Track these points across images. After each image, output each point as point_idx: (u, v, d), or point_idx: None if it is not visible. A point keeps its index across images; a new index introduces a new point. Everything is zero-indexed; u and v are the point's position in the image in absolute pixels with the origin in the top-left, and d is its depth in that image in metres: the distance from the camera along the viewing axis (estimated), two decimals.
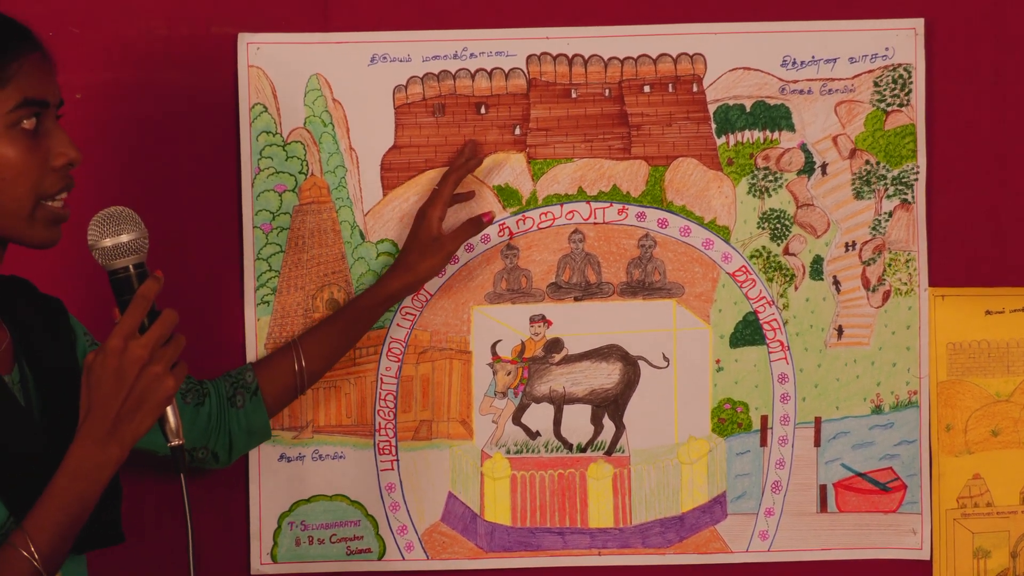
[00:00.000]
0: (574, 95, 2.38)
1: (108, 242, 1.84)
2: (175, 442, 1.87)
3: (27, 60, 1.85)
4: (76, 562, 1.94)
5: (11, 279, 2.00)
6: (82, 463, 1.81)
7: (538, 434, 2.41)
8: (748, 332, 2.41)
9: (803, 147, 2.39)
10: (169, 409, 1.86)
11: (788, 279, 2.40)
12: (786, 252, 2.40)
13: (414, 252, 2.31)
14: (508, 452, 2.41)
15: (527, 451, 2.42)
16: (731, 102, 2.39)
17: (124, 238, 1.85)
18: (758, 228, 2.39)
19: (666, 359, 2.41)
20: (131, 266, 1.85)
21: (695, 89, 2.38)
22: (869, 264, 2.40)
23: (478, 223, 2.31)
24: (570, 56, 2.37)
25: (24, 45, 1.86)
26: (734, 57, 2.37)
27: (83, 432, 1.82)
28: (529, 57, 2.36)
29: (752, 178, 2.39)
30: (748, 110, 2.39)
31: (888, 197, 2.40)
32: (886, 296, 2.40)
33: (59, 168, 1.86)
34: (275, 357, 2.33)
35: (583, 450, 2.42)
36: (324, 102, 2.35)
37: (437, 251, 2.30)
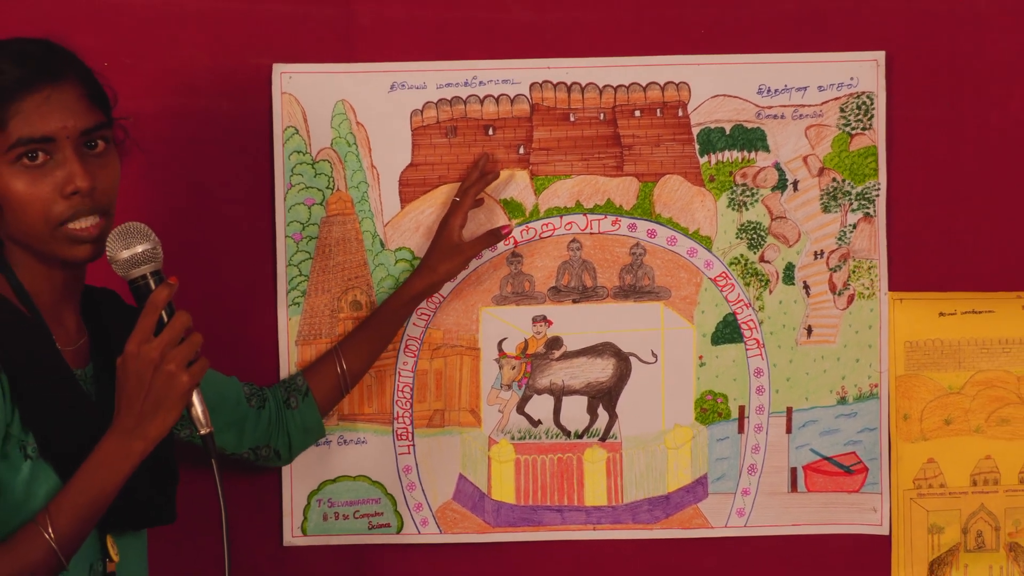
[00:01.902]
0: (572, 119, 2.44)
1: (124, 254, 1.89)
2: (204, 431, 1.91)
3: (29, 100, 1.89)
4: (137, 537, 2.03)
5: (100, 290, 2.08)
6: (107, 455, 1.87)
7: (540, 422, 2.49)
8: (728, 331, 2.48)
9: (777, 166, 2.46)
10: (196, 401, 1.90)
11: (763, 284, 2.47)
12: (761, 260, 2.47)
13: (435, 256, 2.36)
14: (513, 438, 2.48)
15: (530, 437, 2.49)
16: (712, 125, 2.45)
17: (139, 249, 1.89)
18: (736, 238, 2.46)
19: (654, 355, 2.48)
20: (148, 274, 1.90)
21: (680, 114, 2.44)
22: (835, 271, 2.47)
23: (496, 234, 2.37)
24: (569, 84, 2.44)
25: (25, 85, 1.90)
26: (715, 85, 2.44)
27: (112, 428, 1.88)
28: (532, 85, 2.43)
29: (731, 193, 2.46)
30: (728, 133, 2.45)
31: (852, 211, 2.46)
32: (850, 299, 2.47)
33: (68, 195, 1.89)
34: (321, 362, 2.38)
35: (580, 436, 2.49)
36: (349, 125, 2.42)
37: (456, 256, 2.35)
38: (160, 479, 1.98)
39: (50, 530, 1.83)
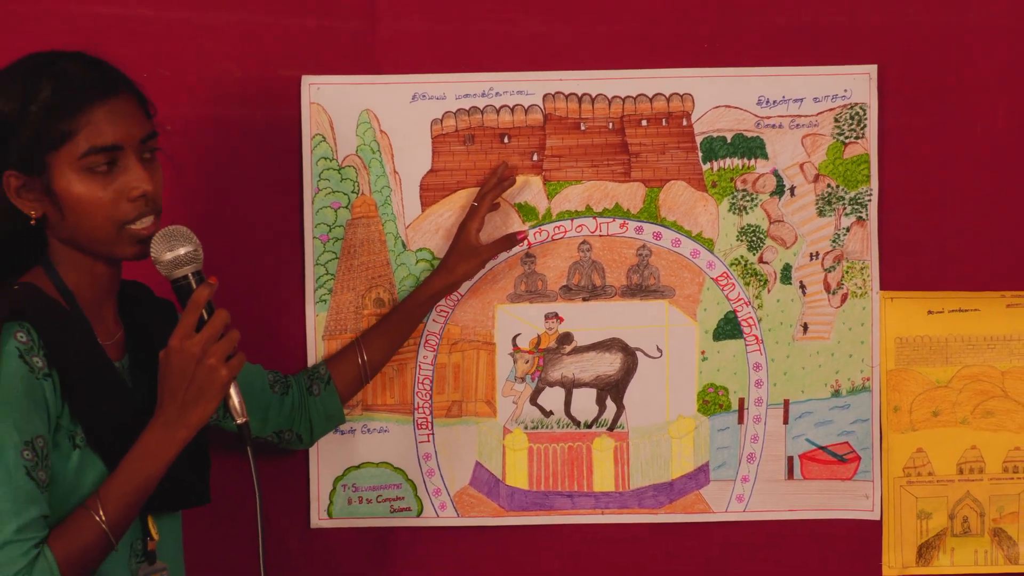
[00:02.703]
0: (583, 127, 2.46)
1: (167, 256, 1.93)
2: (239, 421, 1.95)
3: (98, 110, 1.92)
4: (173, 518, 2.06)
5: (132, 283, 2.10)
6: (152, 443, 1.90)
7: (551, 413, 2.50)
8: (728, 328, 2.49)
9: (775, 172, 2.47)
10: (233, 394, 1.93)
11: (762, 283, 2.49)
12: (760, 261, 2.48)
13: (454, 257, 2.38)
14: (526, 428, 2.50)
15: (542, 427, 2.51)
16: (715, 134, 2.46)
17: (181, 251, 1.93)
18: (737, 240, 2.48)
19: (659, 350, 2.49)
20: (190, 275, 1.93)
21: (684, 123, 2.46)
22: (830, 271, 2.48)
23: (512, 239, 2.40)
24: (580, 95, 2.45)
25: (93, 96, 1.92)
26: (717, 97, 2.45)
27: (155, 418, 1.91)
28: (545, 96, 2.45)
29: (732, 198, 2.47)
30: (729, 141, 2.46)
31: (846, 215, 2.48)
32: (844, 298, 2.49)
33: (134, 199, 1.93)
34: (343, 353, 2.40)
35: (589, 426, 2.50)
36: (373, 133, 2.44)
37: (473, 258, 2.37)
38: (196, 464, 2.02)
39: (101, 513, 1.87)
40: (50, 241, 1.95)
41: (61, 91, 1.90)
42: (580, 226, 2.47)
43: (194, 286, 1.92)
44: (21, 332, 1.86)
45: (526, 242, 2.46)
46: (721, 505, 2.50)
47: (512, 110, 2.45)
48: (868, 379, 2.49)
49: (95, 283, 1.98)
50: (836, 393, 2.49)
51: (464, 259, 2.38)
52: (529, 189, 2.46)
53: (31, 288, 1.92)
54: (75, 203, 1.90)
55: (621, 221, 2.47)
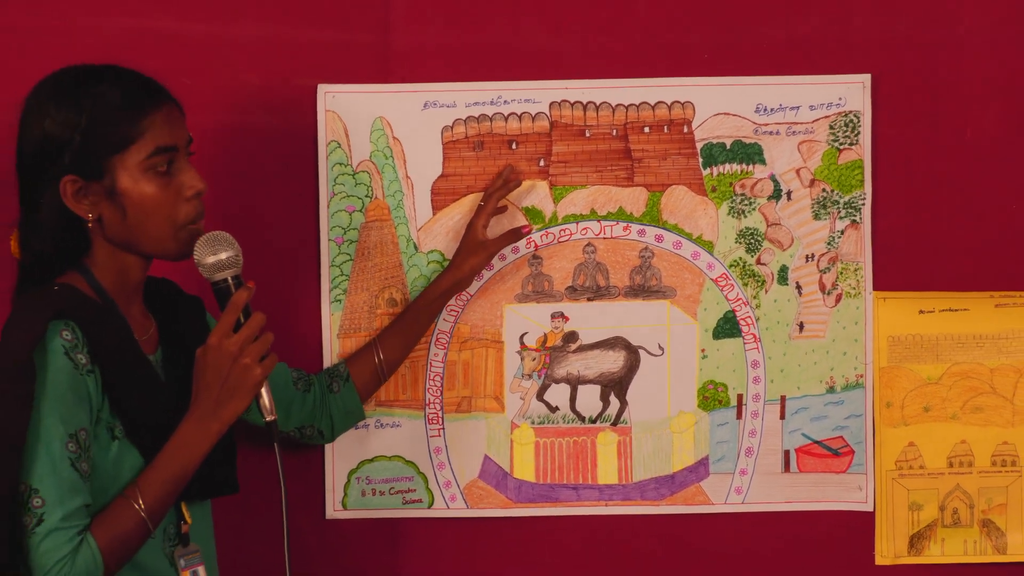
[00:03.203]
0: (588, 134, 2.47)
1: (210, 259, 1.97)
2: (269, 418, 1.99)
3: (158, 114, 1.97)
4: (204, 505, 2.09)
5: (161, 280, 2.14)
6: (188, 436, 1.94)
7: (557, 408, 2.51)
8: (727, 327, 2.50)
9: (772, 178, 2.48)
10: (264, 392, 1.97)
11: (760, 284, 2.49)
12: (758, 262, 2.49)
13: (462, 254, 2.40)
14: (533, 423, 2.50)
15: (548, 422, 2.51)
16: (714, 141, 2.47)
17: (222, 256, 1.97)
18: (736, 243, 2.49)
19: (661, 348, 2.50)
20: (229, 278, 1.97)
21: (685, 130, 2.46)
22: (825, 272, 2.49)
23: (517, 233, 2.41)
24: (584, 103, 2.46)
25: (154, 101, 1.97)
26: (717, 104, 2.46)
27: (191, 411, 1.95)
28: (551, 103, 2.46)
29: (731, 202, 2.48)
30: (728, 147, 2.47)
31: (840, 218, 2.48)
32: (839, 298, 2.49)
33: (190, 198, 1.99)
34: (361, 353, 2.41)
35: (593, 421, 2.51)
36: (386, 139, 2.45)
37: (480, 251, 2.39)
38: (226, 455, 2.06)
39: (140, 502, 1.91)
40: (94, 243, 1.98)
41: (125, 98, 1.94)
42: (585, 229, 2.49)
43: (232, 289, 1.96)
44: (66, 331, 1.89)
45: (533, 244, 2.47)
46: (720, 497, 2.51)
47: (520, 117, 2.47)
48: (862, 376, 2.50)
49: (129, 282, 2.01)
50: (831, 389, 2.50)
51: (472, 254, 2.40)
52: (536, 193, 2.48)
53: (71, 288, 1.95)
54: (140, 202, 1.94)
55: (624, 224, 2.49)
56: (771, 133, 2.48)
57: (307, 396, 2.34)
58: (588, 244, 2.50)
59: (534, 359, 2.51)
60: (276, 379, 2.27)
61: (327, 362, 2.45)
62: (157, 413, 1.98)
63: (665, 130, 2.48)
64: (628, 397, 2.51)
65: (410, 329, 2.42)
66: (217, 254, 1.97)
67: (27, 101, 1.98)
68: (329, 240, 2.45)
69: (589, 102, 2.47)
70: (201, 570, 2.04)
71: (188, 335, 2.08)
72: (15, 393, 1.86)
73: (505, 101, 2.46)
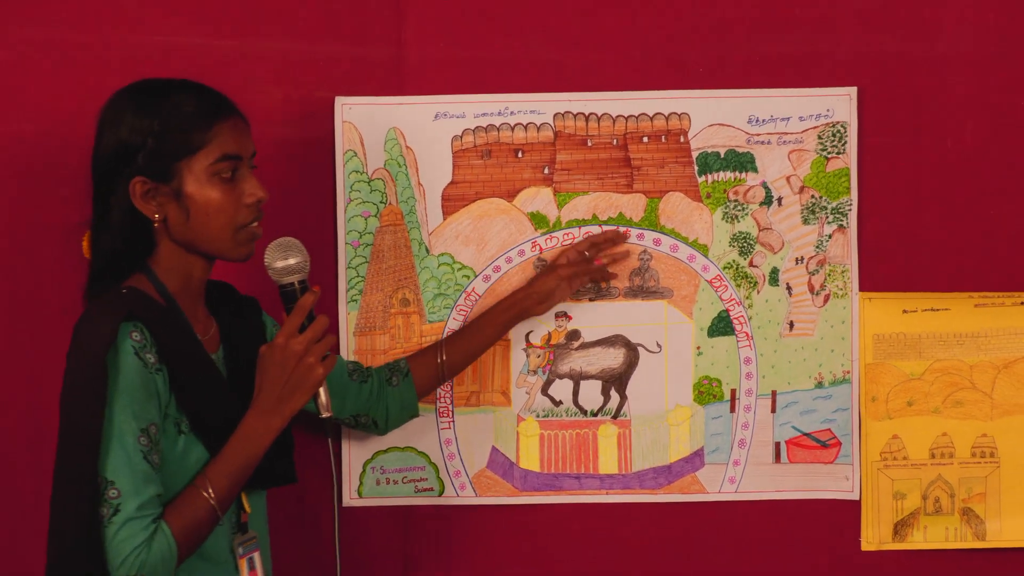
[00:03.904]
0: (590, 144, 2.49)
1: (279, 264, 2.00)
2: (325, 414, 2.02)
3: (225, 124, 2.01)
4: (259, 496, 2.14)
5: (218, 283, 2.17)
6: (252, 429, 1.98)
7: (561, 402, 2.52)
8: (721, 325, 2.51)
9: (764, 185, 2.49)
10: (322, 390, 2.00)
11: (752, 285, 2.51)
12: (751, 264, 2.51)
13: (538, 276, 2.42)
14: (538, 416, 2.52)
15: (552, 415, 2.53)
16: (709, 150, 2.48)
17: (291, 261, 2.00)
18: (729, 246, 2.50)
19: (659, 346, 2.52)
20: (296, 282, 2.00)
21: (682, 140, 2.48)
22: (814, 274, 2.51)
23: (602, 273, 2.42)
24: (587, 114, 2.48)
25: (223, 113, 2.02)
26: (712, 116, 2.47)
27: (254, 406, 1.98)
28: (555, 115, 2.48)
29: (725, 208, 2.49)
30: (722, 156, 2.48)
31: (828, 223, 2.50)
32: (827, 298, 2.51)
33: (250, 205, 2.02)
34: (425, 351, 2.42)
35: (595, 415, 2.52)
36: (399, 148, 2.47)
37: (550, 272, 2.42)
38: (285, 447, 2.11)
39: (210, 491, 1.95)
40: (159, 245, 2.02)
41: (196, 107, 1.98)
42: (587, 233, 2.50)
43: (299, 293, 2.00)
44: (136, 332, 1.93)
45: (538, 248, 2.48)
46: (715, 486, 2.52)
47: (525, 128, 2.48)
48: (848, 372, 2.51)
49: (191, 284, 2.05)
50: (819, 385, 2.51)
51: (543, 275, 2.42)
52: (541, 199, 2.49)
53: (138, 291, 1.99)
54: (204, 205, 1.98)
55: (624, 228, 2.50)
56: (763, 143, 2.49)
57: (363, 387, 2.36)
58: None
59: (539, 356, 2.52)
60: (332, 370, 2.16)
61: (344, 359, 2.44)
62: (219, 408, 2.01)
63: (663, 140, 2.49)
64: (628, 392, 2.52)
65: (475, 338, 2.43)
66: (287, 259, 2.00)
67: (104, 110, 2.02)
68: (346, 243, 2.47)
69: (591, 113, 2.49)
70: (257, 556, 2.08)
71: (247, 334, 2.12)
72: (90, 392, 1.90)
73: (512, 112, 2.48)
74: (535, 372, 2.53)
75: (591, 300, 2.53)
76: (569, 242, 2.51)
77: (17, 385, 2.49)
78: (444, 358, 2.40)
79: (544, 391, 2.54)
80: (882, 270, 2.53)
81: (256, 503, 2.12)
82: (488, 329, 2.43)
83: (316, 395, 2.00)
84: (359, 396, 2.36)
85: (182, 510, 1.95)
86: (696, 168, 2.50)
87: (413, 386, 2.40)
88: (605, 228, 2.45)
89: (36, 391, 2.46)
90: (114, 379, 1.91)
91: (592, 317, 2.53)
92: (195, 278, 2.06)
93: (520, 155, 2.49)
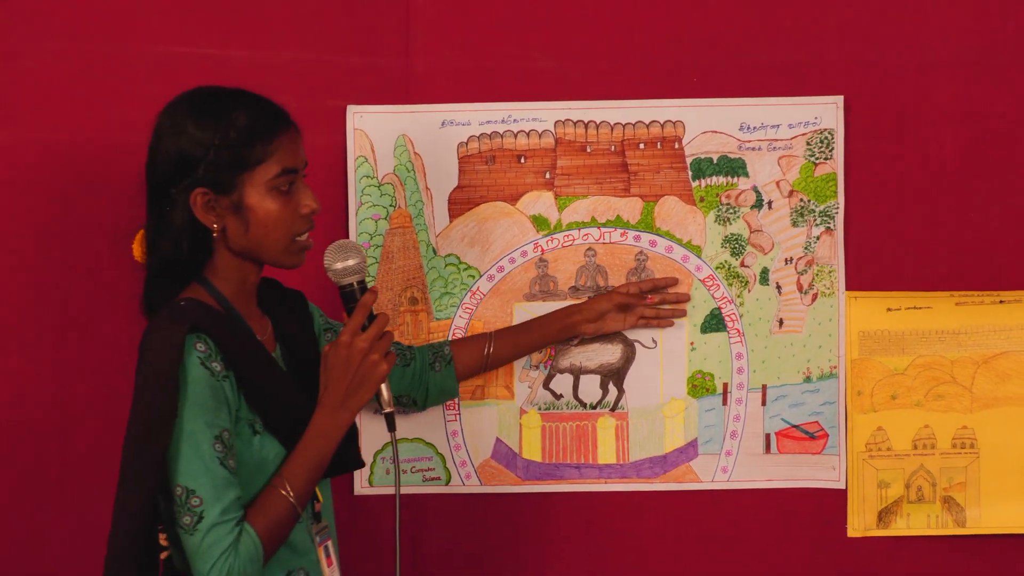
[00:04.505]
0: (589, 150, 2.51)
1: (339, 265, 2.03)
2: (387, 410, 2.05)
3: (285, 138, 2.00)
4: (325, 484, 2.16)
5: (265, 279, 2.15)
6: (322, 426, 2.00)
7: (561, 396, 2.54)
8: (714, 322, 2.53)
9: (755, 189, 2.51)
10: (383, 386, 2.03)
11: (743, 284, 2.53)
12: (742, 265, 2.53)
13: (581, 316, 2.42)
14: (540, 409, 2.54)
15: (553, 408, 2.54)
16: (703, 156, 2.50)
17: (350, 262, 2.02)
18: (721, 247, 2.53)
19: (654, 342, 2.54)
20: (355, 282, 2.03)
21: (676, 146, 2.50)
22: (802, 274, 2.53)
23: (652, 318, 2.44)
24: (586, 122, 2.50)
25: (282, 126, 2.00)
26: (705, 123, 2.49)
27: (322, 404, 2.00)
28: (556, 122, 2.50)
29: (717, 211, 2.51)
30: (715, 162, 2.50)
31: (816, 225, 2.52)
32: (815, 297, 2.53)
33: (305, 215, 2.02)
34: (472, 340, 2.43)
35: (594, 407, 2.54)
36: (408, 155, 2.50)
37: (606, 298, 2.44)
38: (350, 435, 2.10)
39: (288, 489, 1.97)
40: (216, 253, 2.01)
41: (258, 120, 1.98)
42: (586, 235, 2.52)
43: (357, 293, 2.02)
44: (200, 343, 1.94)
45: (540, 249, 2.50)
46: (708, 476, 2.55)
47: (528, 135, 2.51)
48: (835, 367, 2.53)
49: (246, 288, 2.05)
50: (807, 379, 2.53)
51: (599, 298, 2.44)
52: (542, 203, 2.52)
53: (197, 302, 1.99)
54: (264, 217, 1.98)
55: (621, 231, 2.53)
56: (753, 149, 2.51)
57: (406, 370, 2.37)
58: (589, 248, 2.53)
59: (541, 352, 2.55)
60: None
61: None
62: (287, 403, 2.03)
63: (658, 146, 2.51)
64: (625, 386, 2.54)
65: (523, 338, 2.45)
66: (345, 261, 2.03)
67: (161, 117, 2.01)
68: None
69: (590, 121, 2.51)
70: (330, 544, 2.11)
71: (299, 329, 2.14)
72: (161, 405, 1.91)
73: (515, 120, 2.50)
74: (537, 367, 2.55)
75: (590, 299, 2.55)
76: (569, 244, 2.53)
77: (73, 384, 2.54)
78: (491, 350, 2.41)
79: (546, 385, 2.56)
80: (867, 270, 2.54)
81: (325, 493, 2.14)
82: (535, 334, 2.45)
83: (378, 391, 2.04)
84: (402, 379, 2.37)
85: (264, 510, 1.96)
86: (690, 173, 2.53)
87: (454, 373, 2.41)
88: (667, 277, 2.50)
89: (89, 391, 2.53)
90: (184, 391, 1.92)
91: None
92: (249, 282, 2.06)
93: (522, 161, 2.52)
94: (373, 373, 2.00)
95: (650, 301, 2.43)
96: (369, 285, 2.03)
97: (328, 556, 2.08)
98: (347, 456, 2.10)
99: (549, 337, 2.45)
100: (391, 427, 2.05)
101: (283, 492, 1.98)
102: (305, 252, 2.05)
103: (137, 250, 2.04)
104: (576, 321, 2.43)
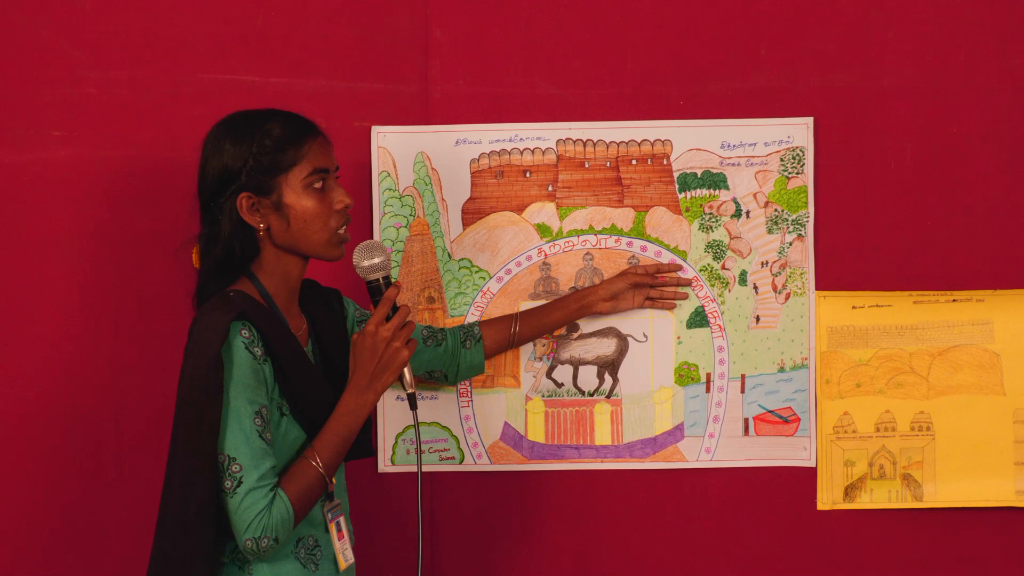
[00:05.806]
0: (587, 165, 2.64)
1: (366, 263, 2.13)
2: (409, 391, 2.15)
3: (314, 143, 2.12)
4: (339, 469, 2.25)
5: (306, 281, 2.24)
6: (349, 406, 2.11)
7: (562, 384, 2.66)
8: (698, 319, 2.65)
9: (734, 200, 2.64)
10: (406, 369, 2.13)
11: (724, 285, 2.66)
12: (723, 267, 2.65)
13: (597, 296, 2.52)
14: (543, 396, 2.66)
15: (555, 395, 2.66)
16: (688, 171, 2.63)
17: (376, 260, 2.14)
18: (705, 252, 2.65)
19: (645, 336, 2.66)
20: (380, 278, 2.14)
21: (665, 162, 2.63)
22: (777, 276, 2.65)
23: (660, 300, 2.52)
24: (584, 140, 2.63)
25: (311, 133, 2.13)
26: (690, 142, 2.62)
27: (350, 386, 2.11)
28: (558, 141, 2.63)
29: (701, 220, 2.64)
30: (699, 176, 2.63)
31: (789, 232, 2.65)
32: (788, 296, 2.66)
33: (340, 211, 2.13)
34: (500, 320, 2.53)
35: (591, 395, 2.66)
36: (426, 170, 2.62)
37: (619, 275, 2.53)
38: (365, 425, 2.21)
39: (318, 460, 2.08)
40: (262, 250, 2.12)
41: (288, 129, 2.11)
42: (584, 241, 2.65)
43: (382, 287, 2.14)
44: (245, 329, 2.06)
45: (543, 253, 2.63)
46: (693, 456, 2.68)
47: (532, 152, 2.63)
48: (806, 359, 2.65)
49: (289, 284, 2.16)
50: (782, 369, 2.65)
51: (614, 278, 2.55)
52: (545, 212, 2.65)
53: (244, 294, 2.11)
54: (302, 212, 2.09)
55: (616, 237, 2.65)
56: (733, 164, 2.64)
57: (437, 349, 2.47)
58: (587, 253, 2.66)
59: (544, 345, 2.67)
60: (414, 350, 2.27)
61: None
62: (313, 395, 2.14)
63: (649, 162, 2.64)
64: (619, 375, 2.67)
65: (545, 318, 2.55)
66: (372, 259, 2.15)
67: (205, 142, 2.14)
68: None
69: (588, 139, 2.64)
70: (342, 520, 2.20)
71: (331, 327, 2.24)
72: (209, 382, 2.02)
73: (521, 139, 2.63)
74: (541, 359, 2.67)
75: (605, 280, 2.64)
76: (569, 249, 2.65)
77: (126, 376, 2.65)
78: (517, 329, 2.52)
79: (548, 375, 2.68)
80: (835, 272, 2.67)
81: (339, 476, 2.25)
82: (556, 313, 2.55)
83: (401, 374, 2.14)
84: (433, 356, 2.48)
85: (296, 479, 2.07)
86: (677, 186, 2.65)
87: (483, 350, 2.52)
88: (671, 263, 2.59)
89: (141, 382, 2.64)
90: (229, 370, 2.03)
91: None
92: (292, 277, 2.16)
93: (528, 175, 2.64)
94: (396, 358, 2.11)
95: (661, 280, 2.50)
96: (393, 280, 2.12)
97: (340, 531, 2.15)
98: (361, 443, 2.21)
99: (570, 315, 2.53)
100: (413, 406, 2.16)
101: (313, 463, 2.08)
102: (344, 245, 2.15)
103: (195, 258, 2.17)
104: (592, 302, 2.53)
